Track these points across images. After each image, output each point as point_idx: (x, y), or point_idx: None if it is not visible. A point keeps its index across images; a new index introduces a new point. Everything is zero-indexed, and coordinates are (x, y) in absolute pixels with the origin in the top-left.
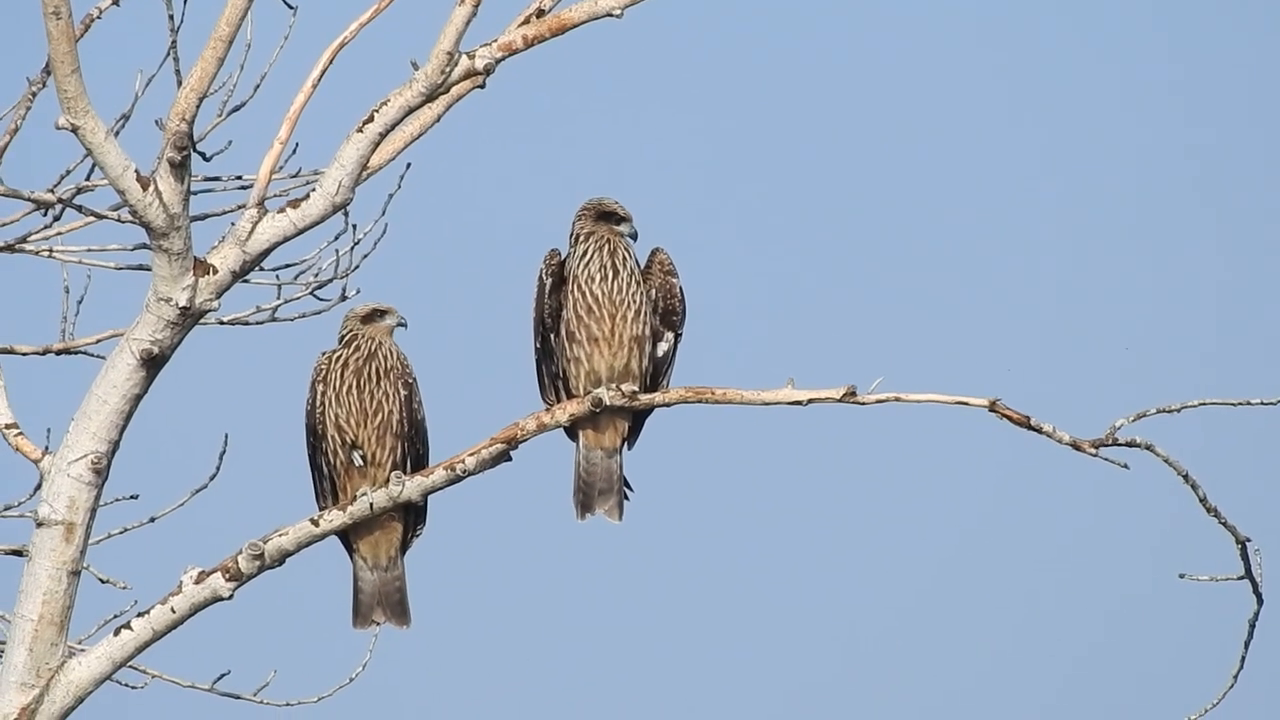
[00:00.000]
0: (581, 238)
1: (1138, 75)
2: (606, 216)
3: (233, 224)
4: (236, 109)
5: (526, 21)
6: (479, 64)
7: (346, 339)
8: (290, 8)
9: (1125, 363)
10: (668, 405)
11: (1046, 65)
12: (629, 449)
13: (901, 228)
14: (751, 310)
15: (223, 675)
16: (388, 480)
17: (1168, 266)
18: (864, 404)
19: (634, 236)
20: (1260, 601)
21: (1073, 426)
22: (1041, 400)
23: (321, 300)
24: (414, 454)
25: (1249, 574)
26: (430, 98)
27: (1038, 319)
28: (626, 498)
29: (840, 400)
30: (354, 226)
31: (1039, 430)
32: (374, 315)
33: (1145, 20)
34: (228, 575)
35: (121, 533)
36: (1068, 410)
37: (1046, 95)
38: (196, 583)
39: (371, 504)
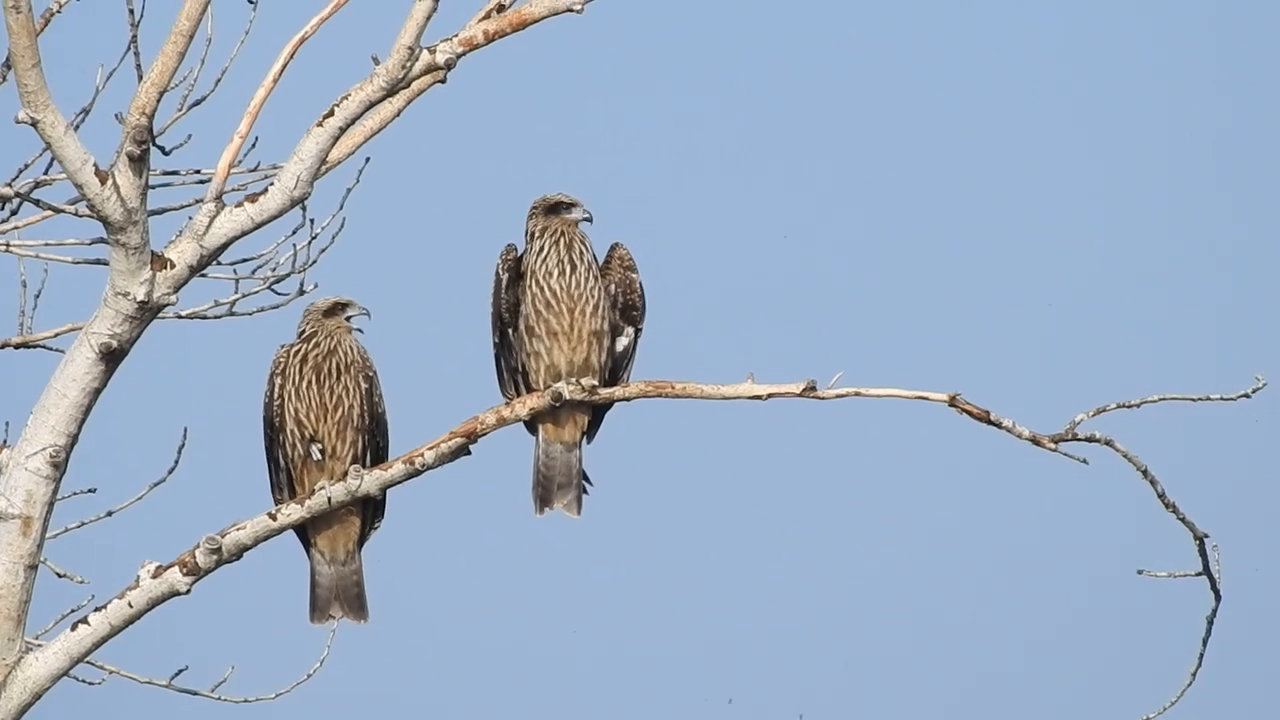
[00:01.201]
0: (536, 234)
1: (1091, 85)
2: (555, 208)
3: (190, 218)
4: (197, 103)
5: (487, 16)
6: (440, 59)
7: (307, 333)
8: (250, 3)
9: (1087, 360)
10: (627, 399)
11: (1014, 69)
12: (588, 443)
13: (865, 222)
14: (712, 304)
15: (180, 671)
16: (346, 474)
17: (1132, 261)
18: (824, 399)
19: (589, 219)
20: (1218, 598)
21: (1036, 422)
22: (1005, 396)
23: (279, 295)
24: (374, 448)
25: (1207, 570)
26: (391, 92)
27: (1000, 314)
28: (585, 492)
29: (800, 395)
30: (312, 221)
31: (999, 425)
32: (336, 309)
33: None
34: (185, 570)
35: (79, 527)
36: (1032, 406)
37: (1015, 94)
38: (154, 577)
39: (330, 498)
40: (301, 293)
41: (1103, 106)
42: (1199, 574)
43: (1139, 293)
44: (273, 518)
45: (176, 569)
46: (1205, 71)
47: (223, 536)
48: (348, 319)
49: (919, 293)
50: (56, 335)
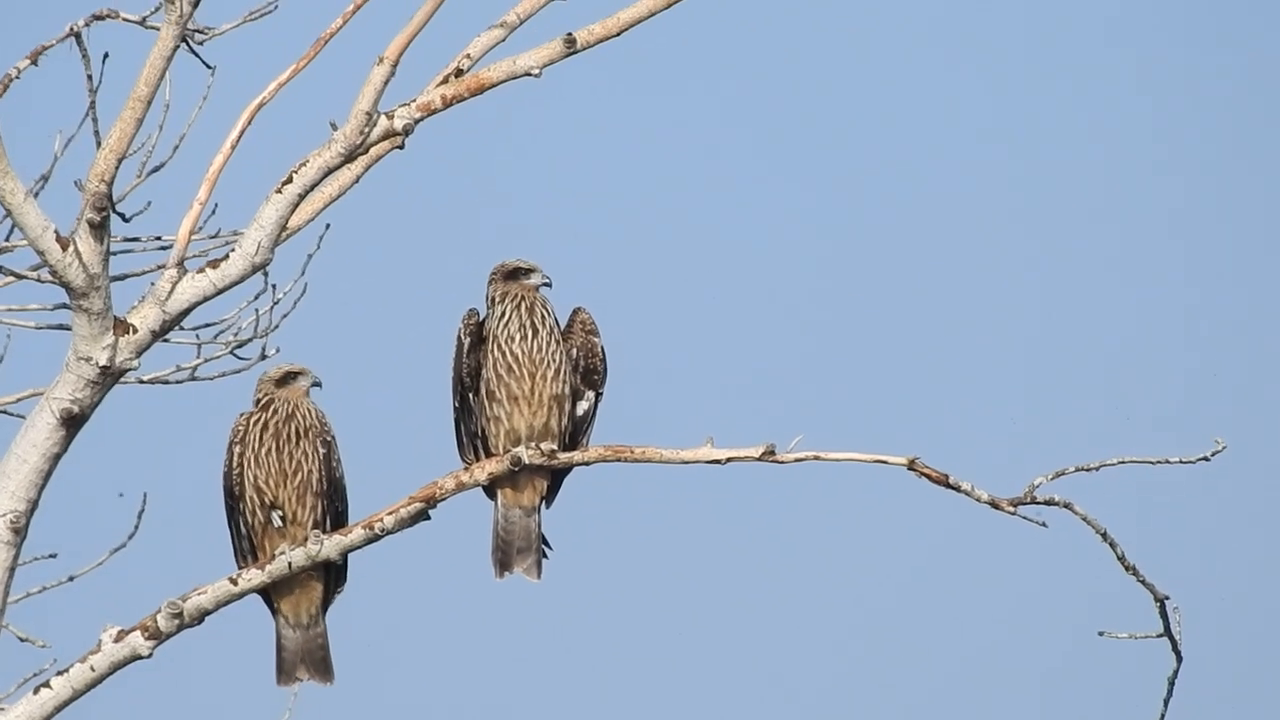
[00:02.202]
0: (498, 299)
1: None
2: (514, 274)
3: (152, 284)
4: (155, 169)
5: (445, 81)
6: (398, 124)
7: (263, 402)
8: (208, 68)
9: (1046, 424)
10: (587, 464)
11: (956, 104)
12: (548, 507)
13: (824, 284)
14: (672, 368)
15: None
16: (306, 539)
17: (1086, 319)
18: (783, 463)
19: (548, 284)
20: (1179, 659)
21: (995, 485)
22: (964, 459)
23: (241, 359)
24: (334, 512)
25: (1168, 632)
26: (349, 158)
27: (960, 375)
28: (545, 556)
29: (759, 459)
30: (274, 286)
31: (957, 489)
32: (288, 378)
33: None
34: (147, 634)
35: (40, 591)
36: (991, 468)
37: (952, 125)
38: (116, 641)
39: (290, 563)
40: (264, 357)
41: (1048, 165)
42: (1160, 635)
43: (1098, 355)
44: (234, 582)
45: (138, 633)
46: (1164, 130)
47: (184, 601)
48: (301, 387)
49: (878, 356)
50: (18, 400)
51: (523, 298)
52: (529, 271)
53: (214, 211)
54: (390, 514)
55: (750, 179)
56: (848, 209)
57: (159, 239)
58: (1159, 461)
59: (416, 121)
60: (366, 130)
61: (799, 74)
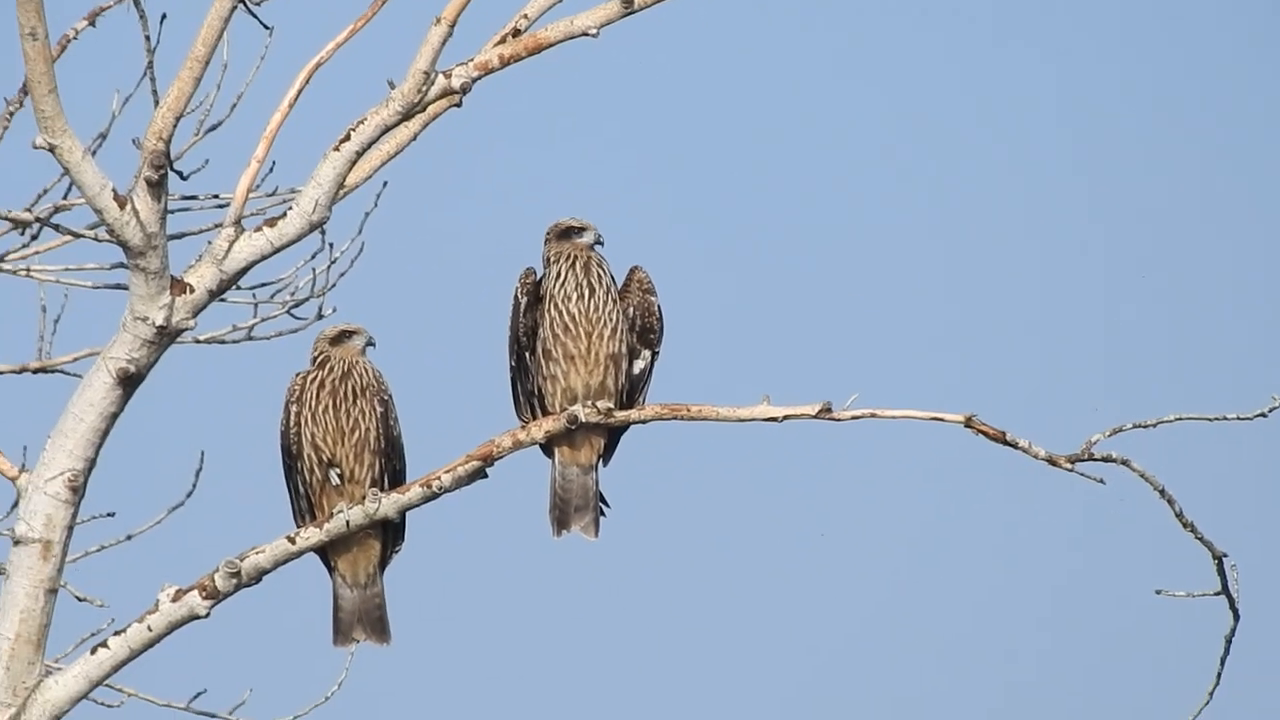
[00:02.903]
0: (553, 259)
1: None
2: (567, 233)
3: (209, 243)
4: (213, 128)
5: (502, 41)
6: (455, 83)
7: (320, 360)
8: (266, 28)
9: (1102, 378)
10: (644, 422)
11: (1004, 75)
12: (605, 465)
13: (879, 243)
14: (728, 326)
15: (199, 694)
16: (364, 498)
17: (1143, 280)
18: (839, 420)
19: (600, 242)
20: (1236, 617)
21: (1049, 442)
22: (1018, 416)
23: (298, 319)
24: (391, 471)
25: (1225, 590)
26: (406, 116)
27: (1015, 333)
28: (603, 514)
29: (815, 416)
30: (330, 245)
31: (1014, 446)
32: (343, 336)
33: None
34: (204, 593)
35: (98, 551)
36: (1045, 426)
37: (1007, 103)
38: (173, 601)
39: (348, 521)
40: (320, 317)
41: (1105, 117)
42: (1217, 593)
43: (1155, 311)
44: (291, 541)
45: (196, 593)
46: (1212, 79)
47: (242, 560)
48: (355, 346)
49: (935, 313)
50: (75, 360)
51: (577, 257)
52: (581, 230)
53: (271, 169)
54: (448, 472)
55: (800, 137)
56: (909, 166)
57: (216, 197)
58: (1216, 418)
59: (474, 80)
60: (424, 89)
61: (851, 31)
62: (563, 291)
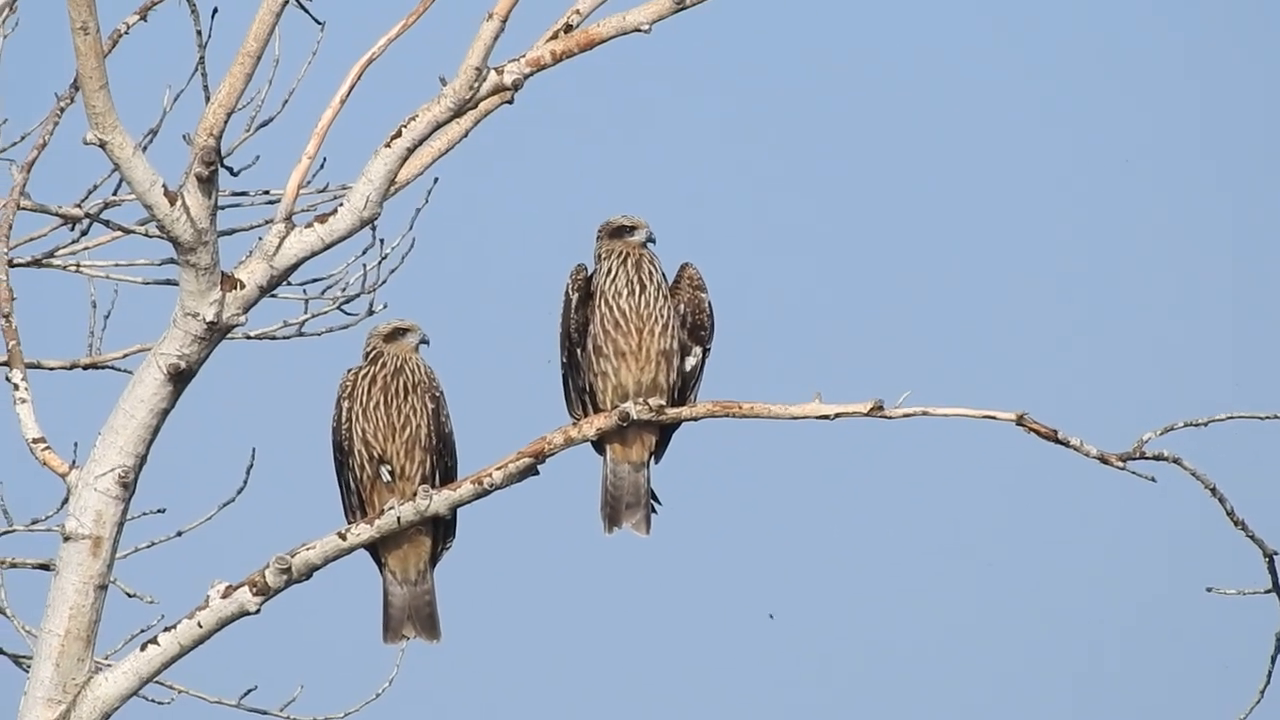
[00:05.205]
0: (604, 255)
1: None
2: (619, 232)
3: (260, 239)
4: (264, 124)
5: (555, 37)
6: (507, 79)
7: (372, 355)
8: (318, 23)
9: (1152, 377)
10: (695, 419)
11: (1061, 71)
12: (656, 462)
13: (929, 241)
14: (779, 324)
15: (249, 690)
16: (415, 494)
17: (1194, 279)
18: (891, 418)
19: (652, 240)
20: None
21: (1099, 440)
22: (1066, 414)
23: (348, 315)
24: (442, 468)
25: (1276, 588)
26: (458, 113)
27: (1065, 333)
28: (654, 511)
29: (867, 414)
30: (381, 241)
31: (1066, 444)
32: (396, 333)
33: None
34: (255, 590)
35: (148, 547)
36: (1093, 424)
37: (1065, 101)
38: (223, 597)
39: (399, 518)
40: (371, 313)
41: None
42: (1268, 591)
43: (1208, 310)
44: (342, 537)
45: (246, 589)
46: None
47: (292, 556)
48: (408, 343)
49: (986, 312)
50: (125, 356)
51: (629, 254)
52: (633, 229)
53: (323, 166)
54: (499, 469)
55: (863, 128)
56: (958, 166)
57: (267, 193)
58: (1269, 416)
59: (526, 76)
60: (476, 85)
61: (897, 29)
62: (613, 288)
